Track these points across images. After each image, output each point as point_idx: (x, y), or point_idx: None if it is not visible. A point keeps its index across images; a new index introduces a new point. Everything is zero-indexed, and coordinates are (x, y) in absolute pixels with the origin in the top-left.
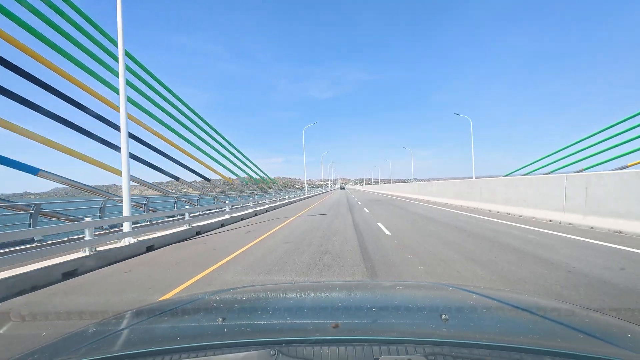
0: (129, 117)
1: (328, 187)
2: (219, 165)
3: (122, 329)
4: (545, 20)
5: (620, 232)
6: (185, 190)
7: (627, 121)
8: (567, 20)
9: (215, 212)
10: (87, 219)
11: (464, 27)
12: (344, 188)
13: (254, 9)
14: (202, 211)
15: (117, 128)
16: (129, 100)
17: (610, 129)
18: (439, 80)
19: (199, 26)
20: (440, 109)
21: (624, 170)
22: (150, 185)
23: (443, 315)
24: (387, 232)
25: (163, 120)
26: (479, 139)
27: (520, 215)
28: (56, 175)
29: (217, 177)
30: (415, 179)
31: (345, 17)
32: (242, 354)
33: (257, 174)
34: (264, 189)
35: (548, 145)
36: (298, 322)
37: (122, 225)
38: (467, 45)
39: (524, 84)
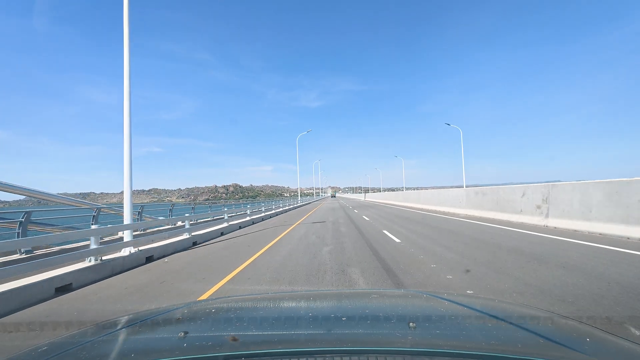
0: None
1: (314, 195)
2: None
3: (75, 347)
4: (525, 35)
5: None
6: (168, 198)
7: None
8: (546, 35)
9: None
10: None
11: (449, 40)
12: (335, 196)
13: (243, 18)
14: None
15: None
16: None
17: None
18: (426, 92)
19: (187, 34)
20: (427, 118)
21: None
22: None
23: (411, 324)
24: None
25: None
26: (465, 149)
27: None
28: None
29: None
30: (406, 188)
31: (334, 28)
32: None
33: None
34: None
35: (528, 155)
36: (262, 333)
37: None
38: (452, 59)
39: (507, 96)
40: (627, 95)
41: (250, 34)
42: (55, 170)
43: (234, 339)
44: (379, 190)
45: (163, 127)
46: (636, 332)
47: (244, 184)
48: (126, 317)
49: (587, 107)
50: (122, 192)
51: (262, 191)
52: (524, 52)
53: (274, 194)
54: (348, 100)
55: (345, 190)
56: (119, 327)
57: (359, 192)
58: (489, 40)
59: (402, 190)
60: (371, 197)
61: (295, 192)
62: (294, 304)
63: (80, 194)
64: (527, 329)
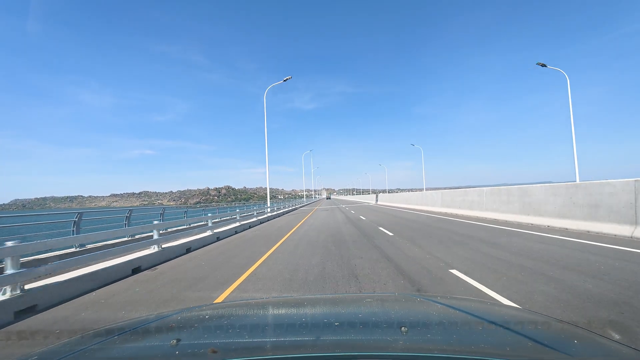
0: None
1: (304, 197)
2: None
3: (65, 356)
4: (515, 40)
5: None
6: (159, 202)
7: None
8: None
9: None
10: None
11: (443, 44)
12: (330, 198)
13: (238, 20)
14: None
15: None
16: None
17: None
18: (420, 94)
19: (181, 36)
20: (422, 121)
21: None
22: None
23: (402, 328)
24: None
25: None
26: (459, 150)
27: None
28: None
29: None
30: (400, 190)
31: (329, 31)
32: None
33: None
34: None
35: (518, 156)
36: (253, 340)
37: None
38: (446, 62)
39: (498, 100)
40: (618, 98)
41: (244, 36)
42: (44, 172)
43: (227, 345)
44: (374, 192)
45: (156, 129)
46: (616, 336)
47: (238, 187)
48: (117, 324)
49: (579, 109)
50: (111, 195)
51: (255, 193)
52: (516, 56)
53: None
54: (342, 102)
55: (340, 192)
56: (109, 336)
57: (354, 194)
58: (483, 44)
59: (422, 191)
60: (386, 200)
61: (291, 193)
62: (286, 310)
63: (67, 197)
64: (516, 332)
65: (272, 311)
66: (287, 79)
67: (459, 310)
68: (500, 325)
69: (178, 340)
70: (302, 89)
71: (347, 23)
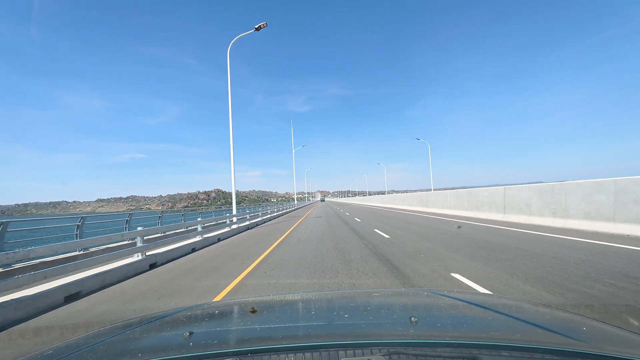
0: None
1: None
2: None
3: (79, 350)
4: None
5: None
6: (147, 206)
7: None
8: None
9: None
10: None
11: (435, 47)
12: (324, 200)
13: (230, 23)
14: None
15: None
16: None
17: None
18: (413, 96)
19: (172, 38)
20: (414, 123)
21: None
22: None
23: (412, 318)
24: None
25: None
26: (451, 152)
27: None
28: None
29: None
30: (394, 191)
31: (322, 34)
32: None
33: None
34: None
35: (510, 158)
36: (266, 327)
37: None
38: (437, 66)
39: (489, 103)
40: (603, 99)
41: (237, 39)
42: (30, 177)
43: (239, 336)
44: (362, 194)
45: (146, 132)
46: (635, 322)
47: (230, 190)
48: (132, 319)
49: (567, 110)
50: (96, 201)
51: (247, 197)
52: (507, 58)
53: (260, 199)
54: (336, 105)
55: (334, 195)
56: (124, 330)
57: (348, 196)
58: (474, 46)
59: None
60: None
61: (284, 197)
62: (297, 304)
63: (50, 202)
64: (525, 321)
65: (284, 305)
66: (260, 26)
67: (467, 302)
68: (509, 315)
69: (191, 332)
70: (296, 91)
71: (341, 26)
